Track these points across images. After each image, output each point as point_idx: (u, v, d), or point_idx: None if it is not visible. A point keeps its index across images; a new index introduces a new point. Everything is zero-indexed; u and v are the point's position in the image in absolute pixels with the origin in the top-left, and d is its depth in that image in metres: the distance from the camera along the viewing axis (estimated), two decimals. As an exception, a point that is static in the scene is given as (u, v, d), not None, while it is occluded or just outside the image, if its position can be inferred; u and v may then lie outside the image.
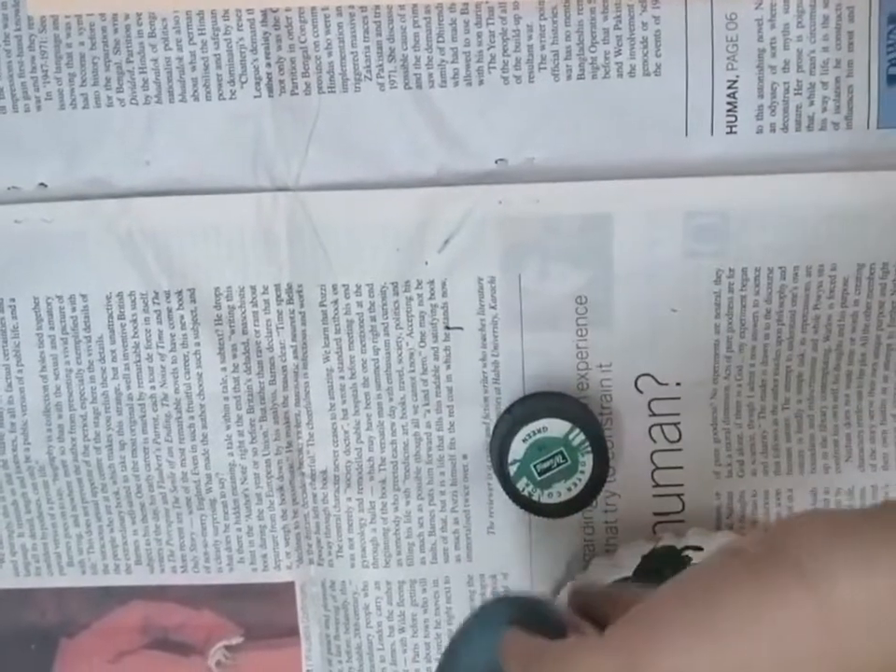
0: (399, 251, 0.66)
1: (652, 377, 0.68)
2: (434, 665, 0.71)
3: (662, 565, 0.68)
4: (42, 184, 0.66)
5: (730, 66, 0.64)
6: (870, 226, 0.65)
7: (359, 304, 0.67)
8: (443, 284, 0.67)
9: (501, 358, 0.67)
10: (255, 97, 0.65)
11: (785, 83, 0.64)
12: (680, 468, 0.69)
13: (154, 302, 0.67)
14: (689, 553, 0.67)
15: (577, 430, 0.64)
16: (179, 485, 0.70)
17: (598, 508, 0.69)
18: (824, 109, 0.64)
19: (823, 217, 0.65)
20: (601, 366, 0.68)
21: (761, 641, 0.41)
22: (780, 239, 0.65)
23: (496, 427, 0.68)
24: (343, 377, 0.68)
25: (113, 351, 0.68)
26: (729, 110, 0.64)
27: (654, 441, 0.69)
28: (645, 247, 0.65)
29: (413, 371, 0.68)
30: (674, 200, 0.65)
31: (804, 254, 0.65)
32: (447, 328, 0.67)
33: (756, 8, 0.63)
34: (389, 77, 0.65)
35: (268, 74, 0.65)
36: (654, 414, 0.68)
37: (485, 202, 0.65)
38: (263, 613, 0.71)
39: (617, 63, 0.64)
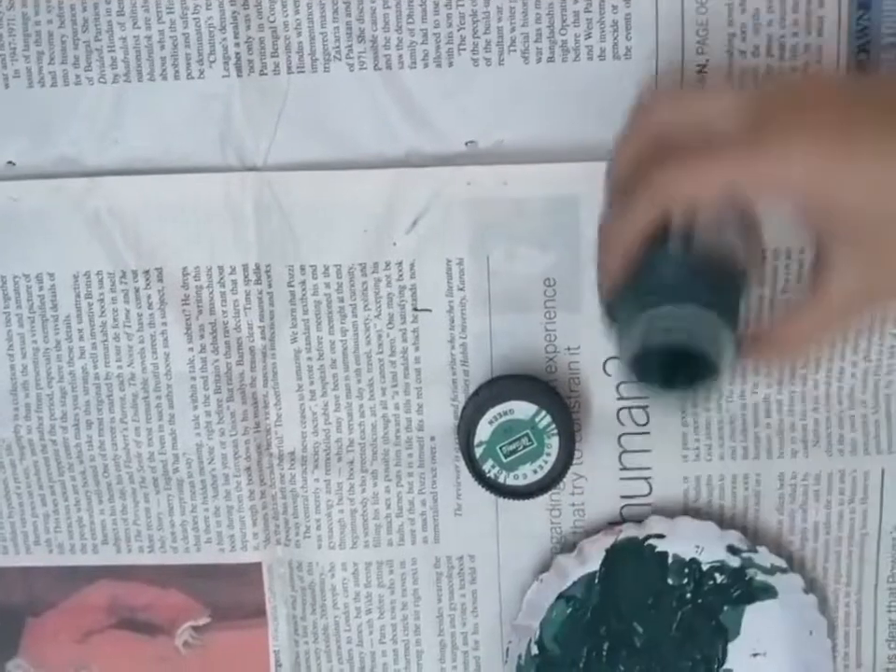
0: (367, 232, 0.66)
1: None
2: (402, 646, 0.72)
3: (626, 556, 0.68)
4: (10, 162, 0.66)
5: (700, 51, 0.64)
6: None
7: (327, 285, 0.67)
8: (411, 265, 0.66)
9: (469, 341, 0.67)
10: (224, 77, 0.65)
11: (755, 68, 0.64)
12: (648, 451, 0.69)
13: (121, 282, 0.67)
14: (652, 541, 0.68)
15: (543, 413, 0.64)
16: (146, 465, 0.70)
17: (565, 490, 0.69)
18: (794, 94, 0.64)
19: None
20: (569, 349, 0.68)
21: None
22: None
23: (463, 409, 0.68)
24: (310, 358, 0.68)
25: (80, 330, 0.68)
26: (699, 94, 0.64)
27: (622, 424, 0.69)
28: (611, 230, 0.66)
29: (382, 352, 0.68)
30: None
31: (772, 237, 0.65)
32: (415, 309, 0.67)
33: (726, -7, 0.64)
34: (359, 57, 0.65)
35: (237, 53, 0.65)
36: (622, 398, 0.69)
37: (454, 183, 0.65)
38: (230, 593, 0.71)
39: (587, 46, 0.64)
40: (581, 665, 0.69)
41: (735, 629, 0.69)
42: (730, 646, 0.69)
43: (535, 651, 0.69)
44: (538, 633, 0.69)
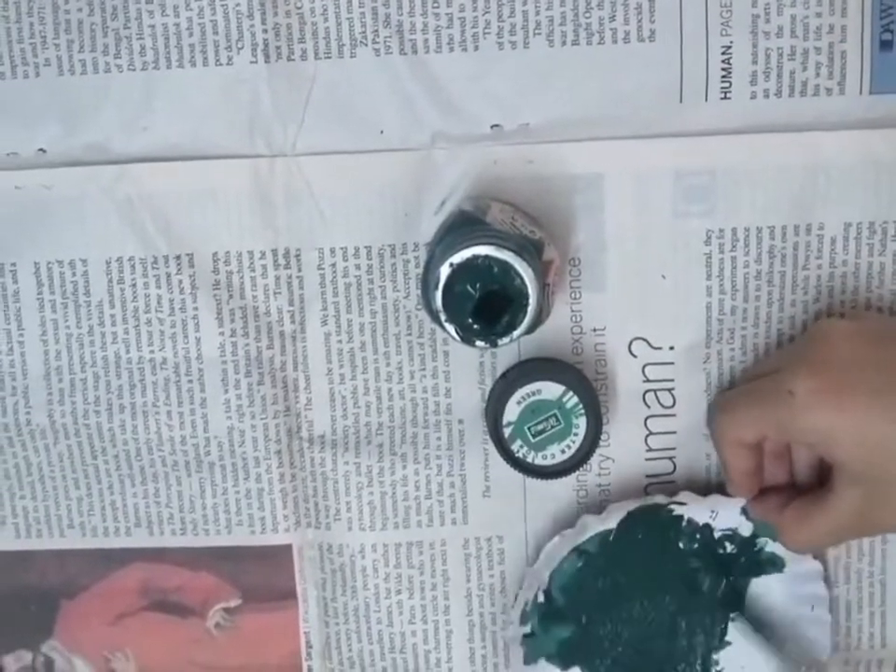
0: (396, 213, 0.67)
1: (646, 341, 0.68)
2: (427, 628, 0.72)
3: (644, 517, 0.69)
4: (41, 150, 0.67)
5: (724, 32, 0.64)
6: (855, 184, 0.65)
7: (357, 267, 0.68)
8: (439, 247, 0.67)
9: (496, 322, 0.68)
10: (251, 63, 0.66)
11: (779, 49, 0.65)
12: (674, 433, 0.70)
13: (153, 267, 0.68)
14: (674, 507, 0.68)
15: (570, 393, 0.65)
16: (178, 448, 0.70)
17: (592, 471, 0.70)
18: (817, 75, 0.65)
19: (809, 174, 0.65)
20: (595, 330, 0.68)
21: None
22: (768, 197, 0.66)
23: (491, 391, 0.68)
24: (340, 341, 0.69)
25: (112, 315, 0.69)
26: (723, 76, 0.65)
27: (648, 407, 0.69)
28: (636, 208, 0.66)
29: (411, 334, 0.68)
30: (663, 159, 0.65)
31: (791, 212, 0.66)
32: (444, 291, 0.68)
33: (749, -26, 0.64)
34: (385, 42, 0.65)
35: (264, 40, 0.65)
36: (648, 380, 0.69)
37: (480, 162, 0.66)
38: (261, 576, 0.72)
39: (611, 29, 0.65)
40: (584, 620, 0.70)
41: (739, 602, 0.70)
42: (732, 617, 0.69)
43: (541, 598, 0.69)
44: (546, 582, 0.69)
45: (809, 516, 0.63)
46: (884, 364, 0.60)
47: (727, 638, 0.69)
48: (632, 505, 0.68)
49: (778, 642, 0.69)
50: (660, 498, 0.68)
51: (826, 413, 0.59)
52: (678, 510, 0.68)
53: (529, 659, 0.70)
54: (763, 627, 0.69)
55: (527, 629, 0.70)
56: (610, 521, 0.68)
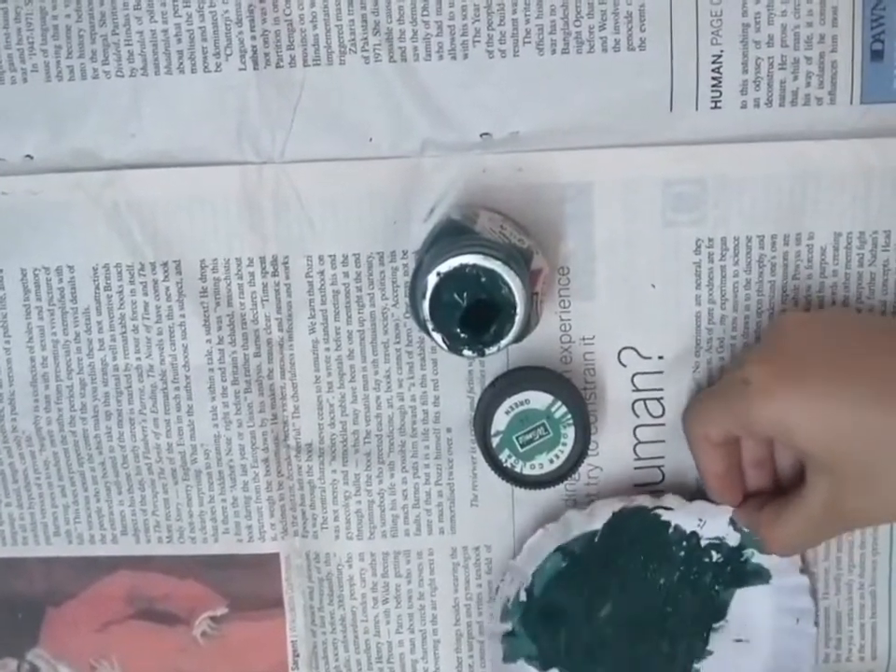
0: (385, 221, 0.67)
1: (635, 350, 0.68)
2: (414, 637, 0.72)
3: (630, 520, 0.68)
4: (28, 156, 0.67)
5: (714, 41, 0.64)
6: (845, 193, 0.65)
7: (345, 274, 0.67)
8: (428, 255, 0.67)
9: (485, 331, 0.68)
10: (240, 70, 0.65)
11: (769, 58, 0.64)
12: (662, 441, 0.69)
13: (140, 274, 0.68)
14: (659, 510, 0.68)
15: (559, 403, 0.64)
16: (165, 456, 0.70)
17: (580, 481, 0.70)
18: (808, 84, 0.65)
19: (799, 183, 0.65)
20: (584, 339, 0.68)
21: None
22: (758, 206, 0.65)
23: (479, 400, 0.68)
24: (328, 349, 0.68)
25: (99, 322, 0.69)
26: (714, 85, 0.65)
27: (637, 416, 0.69)
28: (625, 217, 0.66)
29: (399, 342, 0.68)
30: (653, 168, 0.65)
31: (781, 221, 0.66)
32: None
33: (740, -17, 0.64)
34: (374, 49, 0.65)
35: (253, 46, 0.65)
36: (638, 389, 0.69)
37: (469, 170, 0.65)
38: (248, 584, 0.72)
39: (601, 38, 0.64)
40: (566, 622, 0.70)
41: (723, 612, 0.70)
42: (715, 627, 0.69)
43: (523, 597, 0.69)
44: (529, 580, 0.69)
45: (783, 513, 0.63)
46: (838, 351, 0.60)
47: (709, 648, 0.70)
48: (617, 505, 0.68)
49: (762, 654, 0.69)
50: (644, 501, 0.68)
51: (781, 400, 0.59)
52: (665, 515, 0.68)
53: (509, 658, 0.70)
54: (747, 638, 0.69)
55: (508, 627, 0.69)
56: (595, 520, 0.68)
